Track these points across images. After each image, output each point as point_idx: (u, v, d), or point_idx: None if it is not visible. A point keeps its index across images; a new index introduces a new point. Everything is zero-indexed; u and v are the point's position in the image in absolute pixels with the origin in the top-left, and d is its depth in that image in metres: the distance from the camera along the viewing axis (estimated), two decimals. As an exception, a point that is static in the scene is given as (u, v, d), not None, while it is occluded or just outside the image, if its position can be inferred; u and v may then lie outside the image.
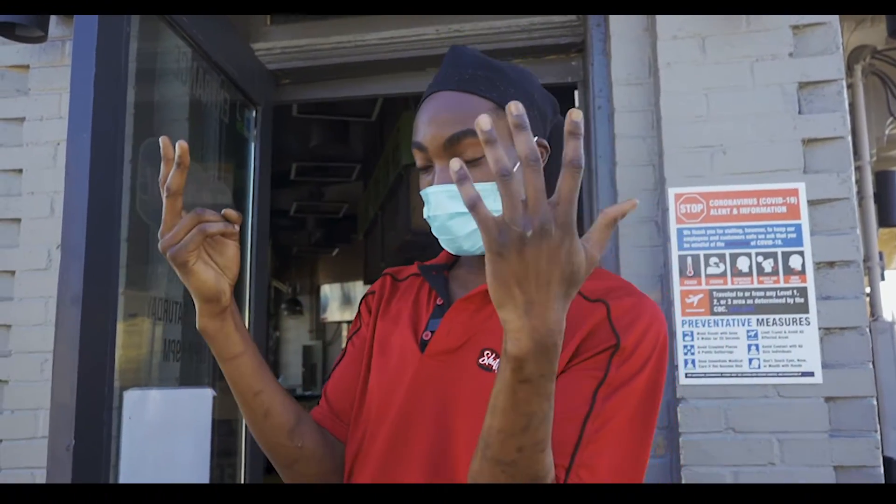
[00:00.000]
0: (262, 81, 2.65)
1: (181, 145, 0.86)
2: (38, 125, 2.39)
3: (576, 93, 2.60)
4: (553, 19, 2.55)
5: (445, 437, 0.91)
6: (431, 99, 0.98)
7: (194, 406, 2.07)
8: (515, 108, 0.60)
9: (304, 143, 5.60)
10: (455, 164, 0.61)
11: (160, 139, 0.87)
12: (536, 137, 1.00)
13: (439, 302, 1.03)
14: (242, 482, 2.44)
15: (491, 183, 0.93)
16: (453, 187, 0.92)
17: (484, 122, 0.60)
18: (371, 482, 0.95)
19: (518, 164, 0.86)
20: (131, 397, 1.76)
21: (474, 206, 0.61)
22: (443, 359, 0.96)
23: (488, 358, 0.93)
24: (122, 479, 1.69)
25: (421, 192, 0.99)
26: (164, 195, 0.89)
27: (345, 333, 10.47)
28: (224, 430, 2.38)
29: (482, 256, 1.01)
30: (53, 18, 2.38)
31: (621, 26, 2.29)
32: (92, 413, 1.50)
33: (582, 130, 0.61)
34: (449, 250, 1.00)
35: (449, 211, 0.93)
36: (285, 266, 10.60)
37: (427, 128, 0.95)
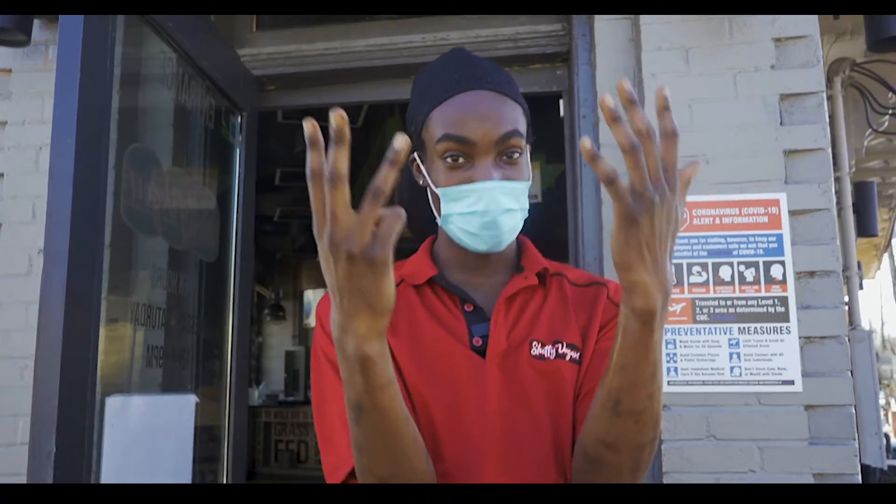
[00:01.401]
0: (247, 87, 2.65)
1: (338, 116, 0.65)
2: (20, 129, 2.38)
3: (561, 102, 2.61)
4: (538, 28, 2.57)
5: (539, 424, 0.98)
6: (471, 94, 0.99)
7: (177, 412, 2.06)
8: (627, 86, 0.70)
9: (288, 148, 5.59)
10: (587, 142, 0.69)
11: (304, 123, 0.66)
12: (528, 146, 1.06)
13: (468, 308, 1.04)
14: (224, 489, 2.42)
15: (526, 182, 1.00)
16: (508, 184, 0.97)
17: (609, 100, 0.69)
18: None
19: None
20: (113, 403, 1.74)
21: (614, 180, 0.69)
22: (499, 360, 1.00)
23: (538, 348, 1.01)
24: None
25: (455, 188, 0.98)
26: (326, 186, 0.66)
27: (328, 339, 10.37)
28: (206, 437, 2.36)
29: (479, 257, 1.05)
30: (37, 22, 2.37)
31: (606, 36, 2.31)
32: (74, 419, 1.49)
33: (669, 104, 0.72)
34: (475, 247, 1.01)
35: (504, 207, 0.97)
36: (269, 271, 10.55)
37: (476, 123, 0.97)
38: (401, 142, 0.65)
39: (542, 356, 1.00)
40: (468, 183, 0.97)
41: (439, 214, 1.04)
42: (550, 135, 2.60)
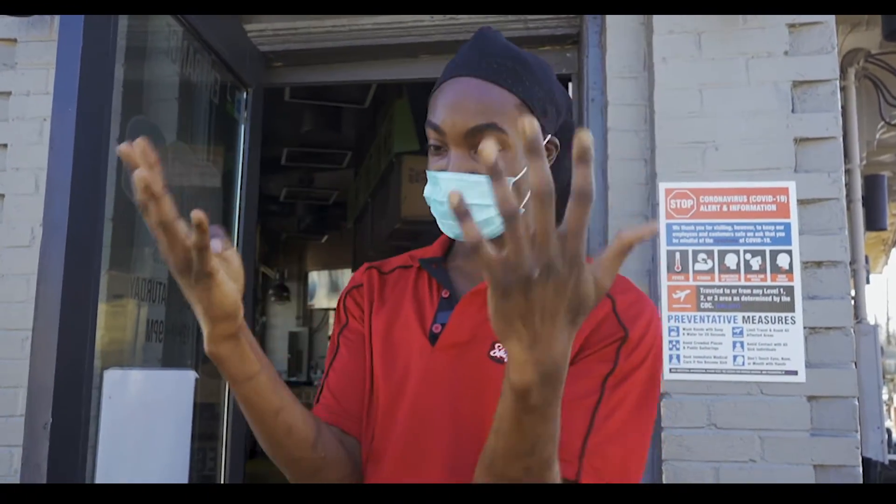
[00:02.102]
0: (253, 63, 2.62)
1: (142, 150, 0.68)
2: (24, 100, 2.36)
3: (570, 84, 2.58)
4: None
5: (462, 428, 0.93)
6: (455, 82, 0.96)
7: (176, 388, 2.05)
8: (530, 128, 0.56)
9: (295, 128, 5.57)
10: (455, 198, 0.58)
11: (118, 149, 0.69)
12: (549, 137, 1.00)
13: (445, 295, 1.01)
14: (224, 466, 2.43)
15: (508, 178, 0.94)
16: (470, 177, 0.92)
17: (489, 153, 0.57)
18: (389, 479, 0.94)
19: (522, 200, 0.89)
20: (112, 377, 1.74)
21: (478, 246, 0.59)
22: (454, 352, 0.96)
23: (500, 350, 0.94)
24: (101, 459, 1.68)
25: (431, 173, 0.97)
26: (153, 228, 0.72)
27: (331, 321, 10.44)
28: (207, 414, 2.36)
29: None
30: (43, -8, 2.34)
31: (617, 19, 2.28)
32: (70, 392, 1.49)
33: (592, 156, 0.57)
34: (449, 235, 1.00)
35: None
36: (273, 252, 10.56)
37: (449, 112, 0.94)
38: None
39: (500, 360, 0.94)
40: (439, 171, 0.96)
41: None
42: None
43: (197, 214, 0.70)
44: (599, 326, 0.90)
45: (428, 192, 0.98)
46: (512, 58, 0.97)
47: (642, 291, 0.97)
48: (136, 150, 0.68)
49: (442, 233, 1.11)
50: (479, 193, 0.92)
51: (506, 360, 0.91)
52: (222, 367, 0.82)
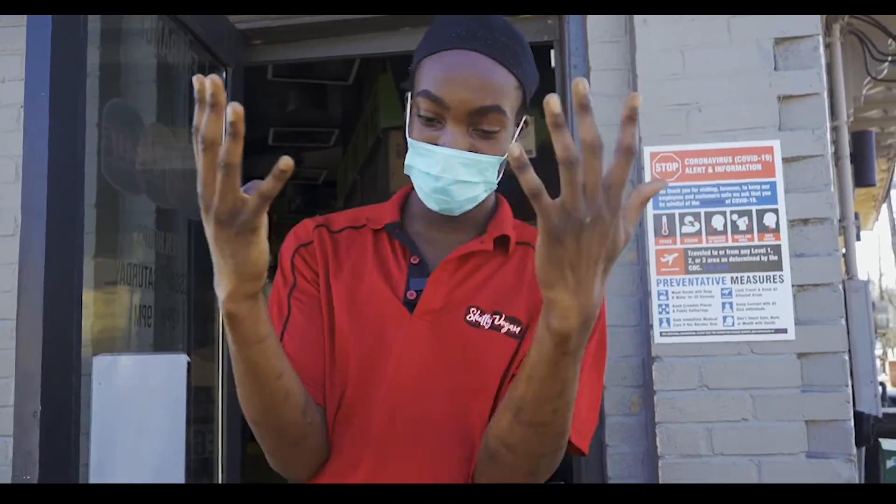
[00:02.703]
0: (231, 41, 2.58)
1: (213, 82, 0.65)
2: (0, 87, 2.33)
3: (552, 52, 2.56)
4: (528, -24, 2.50)
5: (451, 391, 0.95)
6: (459, 54, 0.94)
7: (168, 372, 2.05)
8: (583, 86, 0.61)
9: (281, 108, 5.52)
10: (516, 150, 0.63)
11: (194, 79, 0.65)
12: (525, 116, 1.01)
13: (414, 261, 1.01)
14: (221, 448, 2.43)
15: (497, 157, 0.96)
16: (472, 156, 0.93)
17: (555, 104, 0.61)
18: (377, 443, 0.94)
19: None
20: (101, 363, 1.73)
21: (538, 194, 0.64)
22: (430, 318, 0.97)
23: (475, 315, 0.97)
24: (94, 445, 1.68)
25: (422, 144, 0.95)
26: (220, 171, 0.69)
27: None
28: (203, 398, 2.36)
29: (447, 215, 1.01)
30: (12, -23, 2.30)
31: (597, -18, 2.25)
32: (59, 379, 1.48)
33: (637, 116, 0.63)
34: (431, 207, 0.99)
35: (459, 178, 0.94)
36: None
37: (456, 87, 0.92)
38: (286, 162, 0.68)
39: (477, 324, 0.97)
40: (433, 143, 0.94)
41: None
42: (544, 87, 2.56)
43: (287, 161, 0.69)
44: None
45: (416, 162, 0.96)
46: (510, 35, 0.97)
47: None
48: (209, 85, 0.65)
49: (395, 194, 1.10)
50: (474, 171, 0.94)
51: (482, 324, 0.95)
52: (237, 328, 0.79)
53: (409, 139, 0.98)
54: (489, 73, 0.93)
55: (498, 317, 0.97)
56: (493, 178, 0.97)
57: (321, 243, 1.04)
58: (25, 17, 2.33)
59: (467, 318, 0.97)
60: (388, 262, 1.02)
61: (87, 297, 1.70)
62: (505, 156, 0.96)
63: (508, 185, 1.03)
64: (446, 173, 0.93)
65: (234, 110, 0.64)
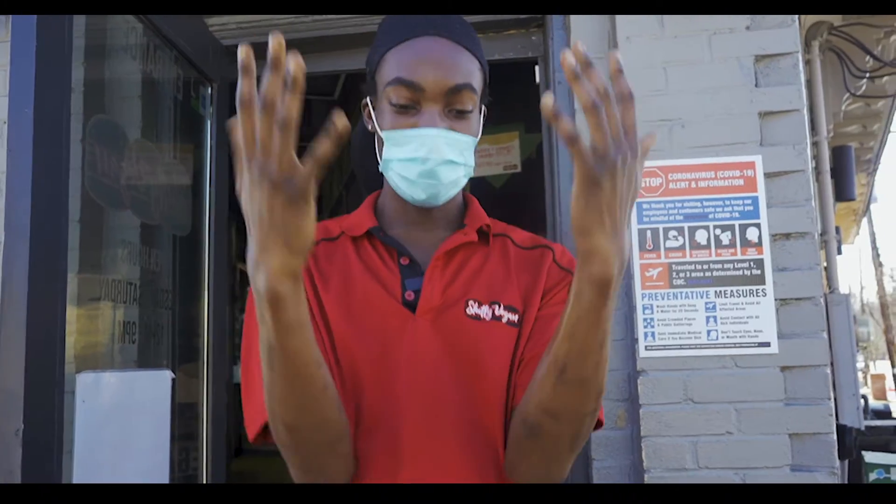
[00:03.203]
0: (216, 57, 2.59)
1: (276, 41, 0.65)
2: (-17, 103, 2.31)
3: (536, 68, 2.58)
4: (513, -7, 2.52)
5: (464, 386, 0.95)
6: (427, 40, 0.97)
7: (152, 389, 2.03)
8: (616, 59, 0.72)
9: (265, 122, 5.51)
10: (549, 100, 0.68)
11: (239, 49, 0.65)
12: (483, 106, 1.05)
13: (404, 262, 1.01)
14: (205, 467, 2.41)
15: (473, 138, 0.98)
16: (452, 134, 0.96)
17: (570, 58, 0.70)
18: (408, 446, 0.93)
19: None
20: (84, 381, 1.72)
21: (575, 139, 0.68)
22: (432, 316, 0.97)
23: (474, 307, 0.98)
24: (77, 464, 1.66)
25: (399, 132, 0.96)
26: (277, 130, 0.66)
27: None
28: (188, 414, 2.34)
29: (421, 212, 1.03)
30: (-4, -8, 2.29)
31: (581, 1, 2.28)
32: (41, 397, 1.47)
33: (623, 67, 0.71)
34: (412, 197, 0.99)
35: (445, 157, 0.95)
36: (250, 248, 10.47)
37: (428, 69, 0.95)
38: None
39: (477, 316, 0.98)
40: (413, 128, 0.95)
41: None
42: (529, 103, 2.57)
43: (343, 120, 0.66)
44: (548, 276, 1.02)
45: (396, 152, 0.97)
46: (465, 24, 1.03)
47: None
48: (272, 42, 0.65)
49: (363, 203, 1.09)
50: (458, 151, 0.96)
51: (482, 316, 0.97)
52: (280, 310, 0.73)
53: (383, 134, 0.98)
54: (458, 55, 0.97)
55: (496, 307, 0.98)
56: (472, 160, 1.00)
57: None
58: (6, 33, 2.33)
59: (467, 311, 0.98)
60: (377, 267, 1.01)
61: (71, 313, 1.69)
62: (478, 137, 1.00)
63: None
64: (433, 153, 0.95)
65: (297, 64, 0.64)
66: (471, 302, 0.98)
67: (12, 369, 1.41)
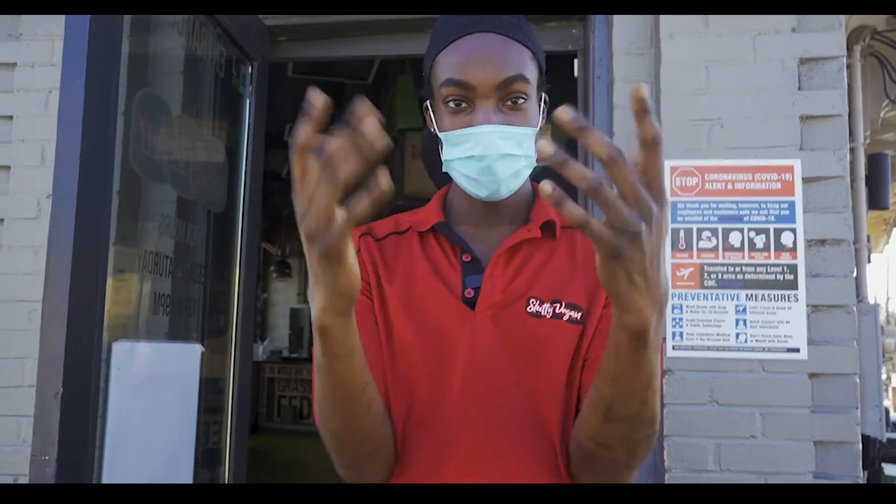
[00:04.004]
0: (258, 37, 2.61)
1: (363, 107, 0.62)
2: (29, 71, 2.36)
3: (575, 61, 2.57)
4: (556, -15, 2.51)
5: (523, 384, 0.96)
6: (473, 38, 0.97)
7: (183, 361, 2.07)
8: (640, 91, 0.60)
9: (298, 104, 5.51)
10: (548, 187, 0.61)
11: (311, 92, 0.63)
12: (544, 94, 1.04)
13: (466, 259, 1.02)
14: (229, 440, 2.45)
15: (532, 129, 0.97)
16: (505, 128, 0.95)
17: (547, 148, 0.60)
18: (464, 443, 0.94)
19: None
20: (120, 349, 1.75)
21: (586, 223, 0.62)
22: (491, 313, 0.98)
23: (535, 305, 0.98)
24: (110, 430, 1.70)
25: (456, 132, 0.97)
26: (325, 183, 0.64)
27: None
28: (212, 388, 2.38)
29: (490, 204, 1.03)
30: (47, -37, 2.33)
31: (625, -5, 2.27)
32: (80, 363, 1.50)
33: (649, 106, 0.61)
34: (476, 193, 1.00)
35: (501, 152, 0.95)
36: (275, 228, 10.55)
37: (478, 66, 0.95)
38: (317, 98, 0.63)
39: (538, 314, 0.97)
40: (467, 127, 0.96)
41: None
42: (565, 95, 2.57)
43: (388, 182, 0.62)
44: None
45: (455, 152, 0.98)
46: (516, 18, 1.01)
47: None
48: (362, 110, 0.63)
49: (433, 198, 1.11)
50: (514, 144, 0.96)
51: (543, 314, 0.97)
52: (328, 341, 0.77)
53: (441, 135, 1.00)
54: (505, 48, 0.97)
55: (558, 305, 0.98)
56: (532, 150, 0.98)
57: (368, 251, 1.06)
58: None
59: (528, 309, 0.97)
60: (440, 263, 1.02)
61: (108, 283, 1.72)
62: (539, 126, 1.00)
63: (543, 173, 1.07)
64: (489, 150, 0.95)
65: (378, 134, 0.62)
66: (532, 300, 0.98)
67: (55, 334, 1.44)
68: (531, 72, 0.98)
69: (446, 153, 1.00)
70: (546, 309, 0.98)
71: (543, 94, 1.04)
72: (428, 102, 1.05)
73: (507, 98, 0.96)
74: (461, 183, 1.01)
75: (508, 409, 0.95)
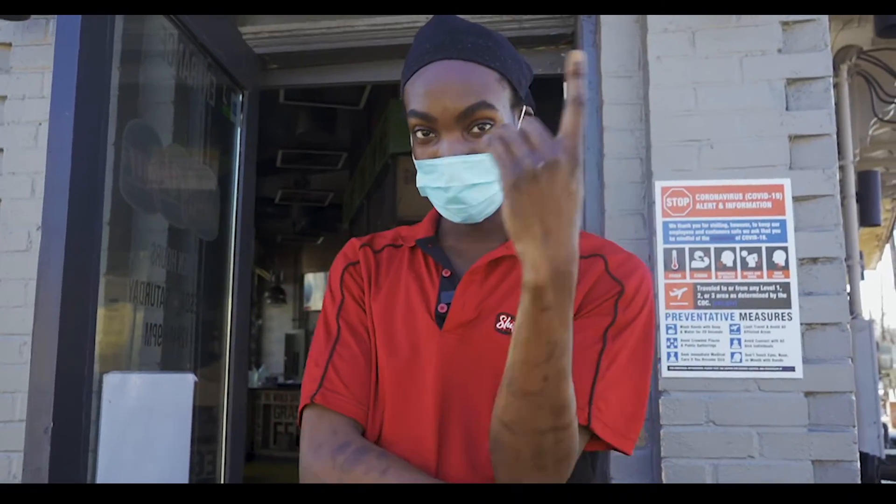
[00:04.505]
0: (249, 65, 2.62)
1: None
2: (19, 104, 2.36)
3: (565, 84, 2.59)
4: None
5: (490, 402, 0.92)
6: (434, 66, 0.96)
7: (175, 391, 2.05)
8: (579, 56, 0.70)
9: (290, 130, 5.57)
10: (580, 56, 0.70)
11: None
12: (524, 107, 1.03)
13: (445, 274, 1.01)
14: (223, 469, 2.43)
15: None
16: (470, 158, 0.94)
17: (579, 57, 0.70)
18: (424, 463, 0.93)
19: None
20: (111, 381, 1.74)
21: (495, 143, 0.70)
22: (461, 331, 0.97)
23: (505, 322, 0.96)
24: (101, 463, 1.68)
25: (424, 162, 0.97)
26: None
27: (328, 323, 10.40)
28: (205, 417, 2.36)
29: (474, 225, 1.02)
30: (37, -4, 2.34)
31: (612, 18, 2.29)
32: (71, 396, 1.49)
33: (585, 70, 0.69)
34: (454, 219, 1.00)
35: (466, 182, 0.95)
36: (269, 254, 10.55)
37: (436, 97, 0.94)
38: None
39: (507, 331, 0.95)
40: (434, 158, 0.96)
41: None
42: (555, 118, 2.58)
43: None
44: (595, 286, 0.96)
45: (424, 181, 0.98)
46: (481, 35, 0.99)
47: (633, 253, 1.02)
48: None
49: (429, 213, 1.11)
50: (480, 172, 0.95)
51: (512, 330, 0.93)
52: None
53: (416, 163, 1.00)
54: (465, 75, 0.94)
55: None
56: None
57: (366, 263, 1.06)
58: (45, 36, 2.37)
59: (497, 325, 0.96)
60: (422, 278, 1.02)
61: (99, 314, 1.71)
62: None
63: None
64: (453, 181, 0.94)
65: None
66: (502, 316, 0.96)
67: (44, 367, 1.43)
68: (497, 95, 0.96)
69: (419, 180, 1.00)
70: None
71: (524, 110, 1.02)
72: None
73: (472, 125, 0.94)
74: (436, 207, 1.02)
75: (478, 428, 0.93)
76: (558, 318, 0.74)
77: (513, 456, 0.83)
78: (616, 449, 0.92)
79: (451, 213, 0.99)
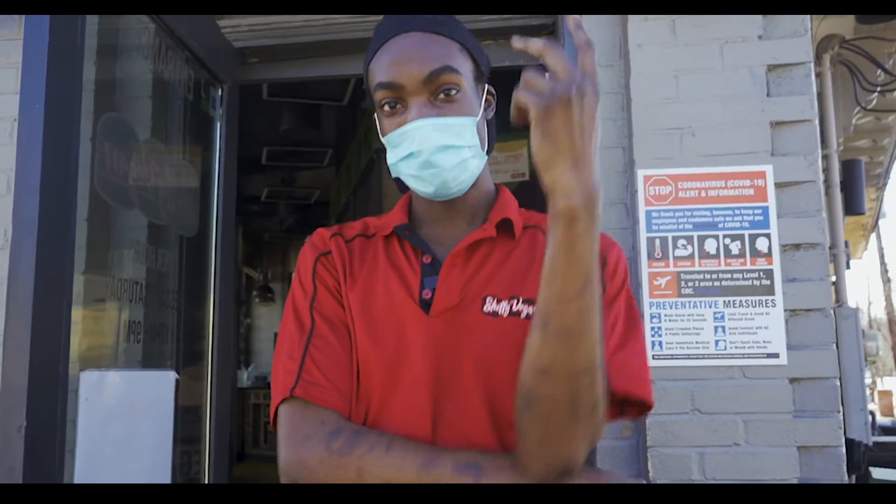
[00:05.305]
0: (228, 59, 2.59)
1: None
2: (-7, 101, 2.32)
3: (546, 75, 2.58)
4: None
5: (480, 386, 0.94)
6: (397, 39, 0.98)
7: (155, 389, 2.03)
8: (576, 20, 0.79)
9: (275, 127, 5.54)
10: (522, 42, 0.79)
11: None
12: (487, 87, 1.04)
13: (426, 260, 1.00)
14: (208, 469, 2.40)
15: (468, 117, 0.97)
16: (437, 119, 0.94)
17: (519, 42, 0.79)
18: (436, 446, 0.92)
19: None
20: (88, 379, 1.71)
21: (527, 77, 0.75)
22: (448, 315, 0.96)
23: (492, 304, 0.96)
24: (79, 463, 1.65)
25: (394, 133, 0.97)
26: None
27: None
28: (191, 416, 2.34)
29: (447, 204, 1.02)
30: (10, -9, 2.30)
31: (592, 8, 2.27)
32: (45, 394, 1.46)
33: (585, 35, 0.77)
34: (425, 192, 0.99)
35: (437, 144, 0.94)
36: (257, 253, 10.51)
37: (402, 65, 0.95)
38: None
39: (495, 313, 0.95)
40: (403, 126, 0.96)
41: None
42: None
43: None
44: None
45: (395, 154, 0.98)
46: (443, 16, 1.02)
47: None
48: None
49: (398, 202, 1.10)
50: (451, 135, 0.95)
51: (500, 313, 0.96)
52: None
53: (384, 140, 1.00)
54: (429, 43, 0.97)
55: (515, 301, 0.96)
56: (475, 140, 0.98)
57: (339, 252, 1.04)
58: (18, 31, 2.34)
59: (484, 308, 0.96)
60: (401, 266, 1.01)
61: (77, 312, 1.68)
62: (477, 117, 0.98)
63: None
64: (425, 143, 0.94)
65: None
66: (489, 299, 0.96)
67: (17, 365, 1.40)
68: (460, 62, 0.98)
69: (389, 157, 0.99)
70: (503, 307, 0.96)
71: (486, 87, 1.04)
72: (375, 114, 1.05)
73: (438, 91, 0.96)
74: (410, 184, 1.01)
75: (468, 412, 0.93)
76: (590, 246, 0.77)
77: (548, 407, 0.82)
78: (639, 402, 0.93)
79: (424, 182, 0.97)
